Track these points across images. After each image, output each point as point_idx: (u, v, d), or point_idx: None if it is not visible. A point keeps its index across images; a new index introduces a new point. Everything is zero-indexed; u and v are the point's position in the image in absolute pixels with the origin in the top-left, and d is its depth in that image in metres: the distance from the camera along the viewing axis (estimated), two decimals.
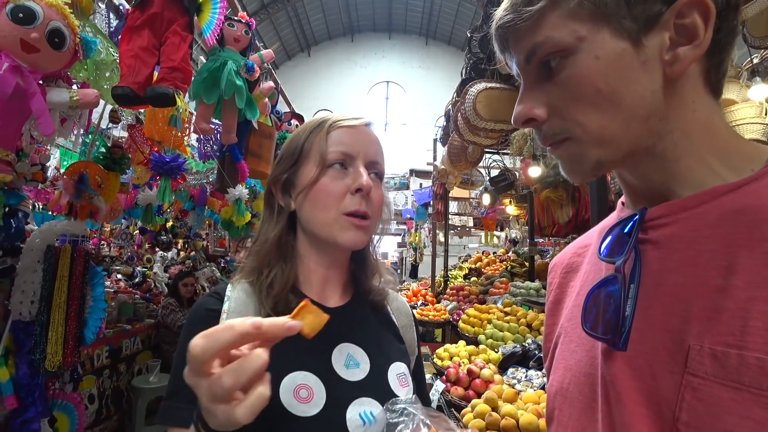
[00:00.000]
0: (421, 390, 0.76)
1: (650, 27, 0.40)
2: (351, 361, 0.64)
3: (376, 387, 0.64)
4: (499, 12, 0.45)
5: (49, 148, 2.22)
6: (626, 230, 0.45)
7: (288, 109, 4.03)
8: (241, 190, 2.44)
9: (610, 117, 0.41)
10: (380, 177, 0.70)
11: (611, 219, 0.53)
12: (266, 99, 2.27)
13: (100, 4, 1.81)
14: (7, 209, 1.74)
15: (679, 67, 0.40)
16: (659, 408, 0.37)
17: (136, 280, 4.56)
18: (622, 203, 0.52)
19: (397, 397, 0.64)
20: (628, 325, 0.39)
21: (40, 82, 1.35)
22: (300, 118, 3.45)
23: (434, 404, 1.76)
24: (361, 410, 0.60)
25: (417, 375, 0.76)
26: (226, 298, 0.65)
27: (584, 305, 0.46)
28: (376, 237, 0.75)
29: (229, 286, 0.68)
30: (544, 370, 1.92)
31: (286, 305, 0.63)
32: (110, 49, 1.73)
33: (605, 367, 0.42)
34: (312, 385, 0.59)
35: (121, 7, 1.98)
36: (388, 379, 0.66)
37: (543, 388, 1.72)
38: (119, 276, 4.40)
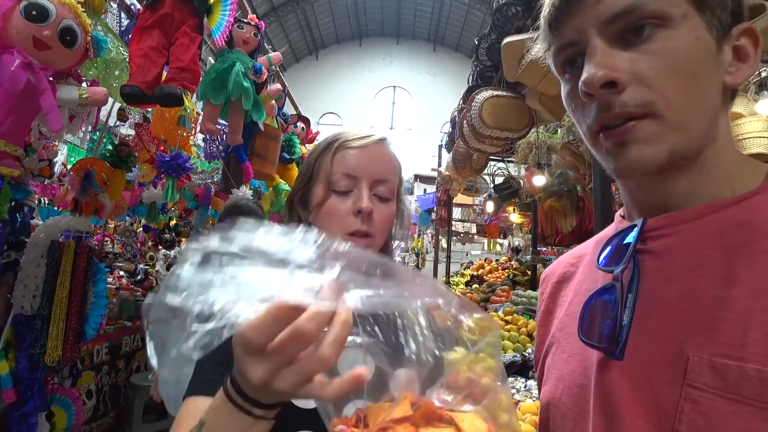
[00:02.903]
0: None
1: (724, 36, 0.41)
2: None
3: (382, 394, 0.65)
4: None
5: (56, 144, 2.24)
6: (625, 241, 0.44)
7: (294, 112, 4.05)
8: (245, 191, 2.45)
9: (694, 102, 0.40)
10: (390, 195, 0.71)
11: (609, 230, 0.53)
12: (273, 101, 2.29)
13: (111, 3, 1.83)
14: (13, 203, 1.76)
15: (739, 80, 0.42)
16: (658, 420, 0.37)
17: (139, 277, 4.58)
18: (621, 216, 0.51)
19: None
20: (625, 335, 0.39)
21: (51, 79, 1.36)
22: (306, 121, 3.47)
23: None
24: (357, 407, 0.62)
25: None
26: None
27: (581, 314, 0.45)
28: (395, 243, 0.77)
29: None
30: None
31: None
32: (120, 48, 1.75)
33: (601, 378, 0.42)
34: None
35: (132, 7, 2.01)
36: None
37: None
38: (122, 273, 4.41)
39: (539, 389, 0.55)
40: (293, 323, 0.34)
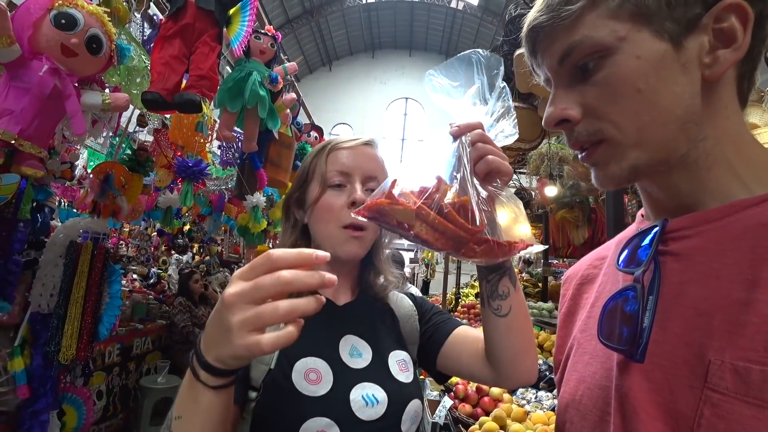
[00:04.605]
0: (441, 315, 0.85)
1: (690, 29, 0.39)
2: (354, 351, 0.72)
3: (377, 373, 0.71)
4: (532, 13, 0.45)
5: (78, 147, 2.31)
6: (645, 242, 0.44)
7: (308, 121, 4.10)
8: (258, 198, 2.49)
9: (648, 118, 0.40)
10: None
11: (630, 231, 0.52)
12: (288, 110, 2.33)
13: (135, 13, 1.90)
14: (35, 204, 1.81)
15: (718, 70, 0.40)
16: (676, 423, 0.36)
17: (151, 281, 4.65)
18: (642, 215, 0.51)
19: (398, 380, 0.71)
20: (646, 337, 0.38)
21: (76, 84, 1.42)
22: (319, 131, 3.51)
23: (441, 421, 1.73)
24: (363, 392, 0.67)
25: (426, 315, 0.85)
26: None
27: (600, 316, 0.45)
28: (386, 240, 0.84)
29: None
30: (554, 392, 1.89)
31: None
32: (142, 57, 1.81)
33: (620, 379, 0.41)
34: (321, 369, 0.67)
35: (155, 18, 2.08)
36: (389, 365, 0.73)
37: (553, 409, 1.68)
38: (135, 276, 4.48)
39: (558, 391, 0.55)
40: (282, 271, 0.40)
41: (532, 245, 0.54)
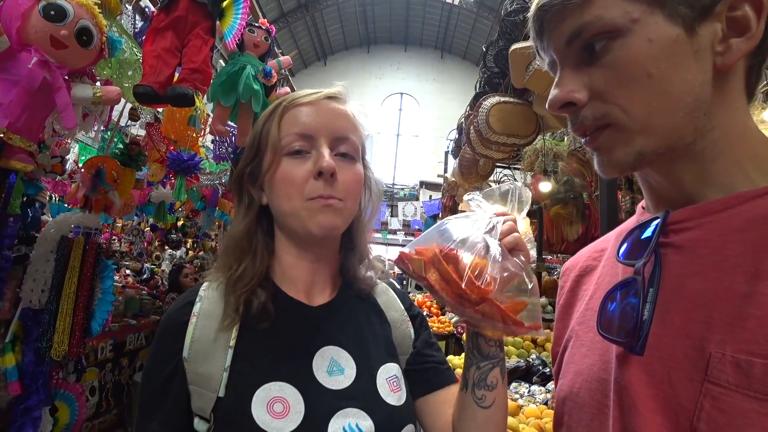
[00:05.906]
0: (431, 348, 0.72)
1: (704, 16, 0.38)
2: (335, 367, 0.59)
3: (363, 395, 0.58)
4: None
5: (69, 141, 2.28)
6: (645, 235, 0.43)
7: None
8: None
9: (656, 104, 0.39)
10: (354, 153, 0.63)
11: (630, 222, 0.52)
12: None
13: (127, 5, 1.87)
14: (25, 199, 1.78)
15: (731, 59, 0.39)
16: (676, 416, 0.36)
17: (144, 276, 4.62)
18: (642, 207, 0.51)
19: (388, 404, 0.59)
20: (646, 329, 0.38)
21: (66, 77, 1.39)
22: None
23: None
24: (345, 423, 0.54)
25: (426, 341, 0.72)
26: (198, 299, 0.61)
27: (600, 308, 0.44)
28: (368, 214, 0.70)
29: (204, 284, 0.64)
30: (548, 386, 1.91)
31: (257, 299, 0.59)
32: (134, 49, 1.79)
33: (619, 372, 0.41)
34: (288, 398, 0.54)
35: (146, 10, 2.05)
36: (377, 384, 0.60)
37: (546, 403, 1.69)
38: (128, 271, 4.45)
39: (555, 383, 0.55)
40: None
41: (538, 329, 0.53)
